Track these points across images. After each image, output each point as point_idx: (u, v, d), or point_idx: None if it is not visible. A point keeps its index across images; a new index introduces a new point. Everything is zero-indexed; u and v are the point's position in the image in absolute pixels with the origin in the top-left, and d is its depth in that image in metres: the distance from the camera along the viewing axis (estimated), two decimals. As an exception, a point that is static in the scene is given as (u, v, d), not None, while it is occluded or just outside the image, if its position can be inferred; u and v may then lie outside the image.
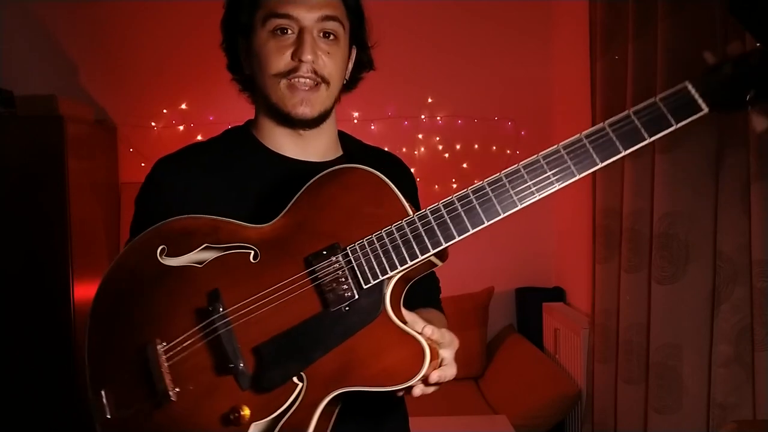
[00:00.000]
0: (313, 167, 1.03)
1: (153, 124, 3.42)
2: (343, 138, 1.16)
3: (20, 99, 2.90)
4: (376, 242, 0.85)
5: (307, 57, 0.96)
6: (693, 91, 0.82)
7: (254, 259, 0.89)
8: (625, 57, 2.20)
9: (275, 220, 0.91)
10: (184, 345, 0.88)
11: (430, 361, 0.80)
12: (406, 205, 0.86)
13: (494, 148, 3.47)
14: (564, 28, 3.27)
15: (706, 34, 1.83)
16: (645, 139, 0.83)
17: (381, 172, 0.89)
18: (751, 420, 1.74)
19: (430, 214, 0.85)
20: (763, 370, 1.69)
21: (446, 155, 3.48)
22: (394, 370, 0.81)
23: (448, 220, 0.85)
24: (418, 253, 0.84)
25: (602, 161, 0.83)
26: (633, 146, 0.83)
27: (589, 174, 0.84)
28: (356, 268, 0.85)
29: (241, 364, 0.85)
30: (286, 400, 0.84)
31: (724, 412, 1.83)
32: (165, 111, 3.42)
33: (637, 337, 2.18)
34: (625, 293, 2.24)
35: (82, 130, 3.03)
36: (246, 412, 0.83)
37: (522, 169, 0.86)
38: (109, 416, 0.89)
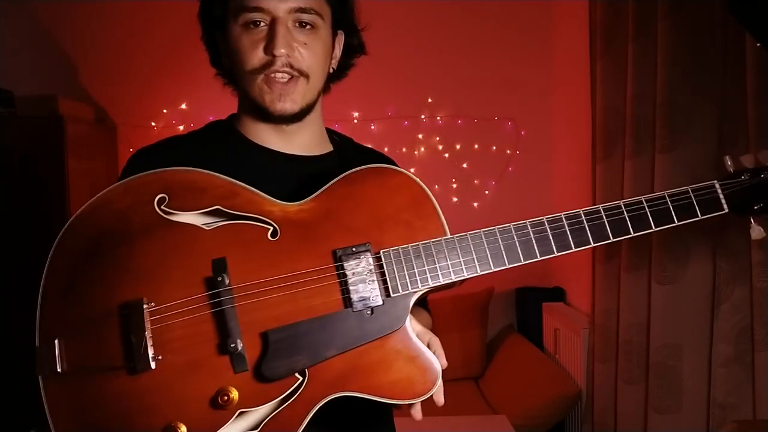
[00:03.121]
0: (300, 160, 1.01)
1: (153, 124, 3.42)
2: (333, 135, 1.11)
3: (20, 99, 2.91)
4: (411, 253, 0.83)
5: (280, 51, 0.91)
6: (719, 191, 0.91)
7: (272, 236, 0.84)
8: (625, 57, 2.20)
9: (303, 201, 0.86)
10: (177, 312, 0.80)
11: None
12: (444, 223, 0.85)
13: (494, 148, 3.48)
14: (564, 28, 3.27)
15: (706, 34, 1.83)
16: (674, 222, 0.90)
17: None
18: (751, 420, 1.74)
19: (469, 239, 0.85)
20: (763, 370, 1.69)
21: (446, 155, 3.48)
22: (403, 385, 0.80)
23: (487, 251, 0.85)
24: (452, 274, 0.84)
25: (636, 232, 0.88)
26: (663, 226, 0.89)
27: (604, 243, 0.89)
28: (387, 274, 0.83)
29: (241, 346, 0.79)
30: (281, 393, 0.79)
31: (724, 412, 1.83)
32: (165, 111, 3.42)
33: (637, 337, 2.18)
34: (625, 293, 2.24)
35: (82, 130, 3.03)
36: (234, 395, 0.78)
37: (564, 219, 0.88)
38: (60, 370, 0.79)
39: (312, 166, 1.01)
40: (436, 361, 0.82)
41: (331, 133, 1.10)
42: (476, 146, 3.48)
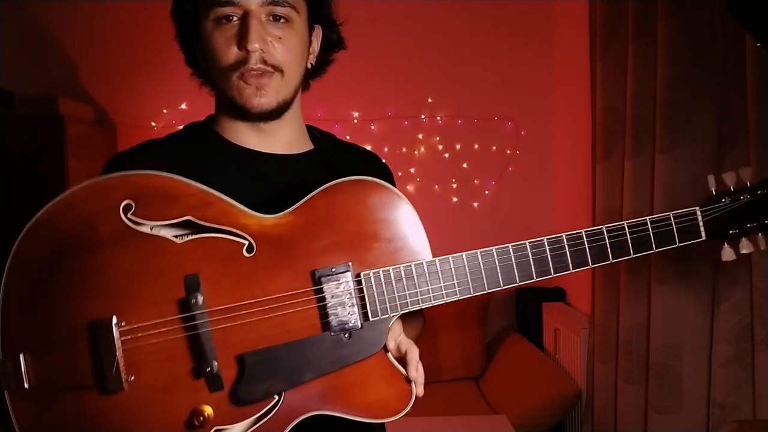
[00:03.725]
0: (279, 159, 0.98)
1: (153, 124, 3.42)
2: (314, 132, 1.08)
3: (20, 99, 2.91)
4: (392, 276, 0.81)
5: (254, 46, 0.87)
6: (700, 218, 0.91)
7: (248, 252, 0.80)
8: (625, 57, 2.20)
9: (281, 214, 0.82)
10: (150, 333, 0.78)
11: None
12: (426, 241, 0.84)
13: (494, 148, 3.47)
14: (564, 28, 3.27)
15: (706, 34, 1.83)
16: (652, 249, 0.90)
17: (357, 169, 0.85)
18: (751, 420, 1.74)
19: (451, 262, 0.83)
20: (763, 370, 1.69)
21: (446, 155, 3.48)
22: (378, 405, 0.80)
23: (468, 274, 0.84)
24: (432, 299, 0.83)
25: (615, 258, 0.89)
26: (641, 252, 0.89)
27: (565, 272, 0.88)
28: (367, 298, 0.81)
29: (216, 367, 0.78)
30: (257, 412, 0.79)
31: (724, 412, 1.83)
32: (165, 111, 3.42)
33: (637, 337, 2.18)
34: (625, 293, 2.24)
35: (82, 130, 3.03)
36: (209, 412, 0.77)
37: (546, 244, 0.86)
38: (27, 386, 0.76)
39: (292, 165, 0.98)
40: (413, 384, 0.81)
41: (311, 129, 1.08)
42: (476, 146, 3.48)
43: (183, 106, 3.41)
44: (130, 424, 0.77)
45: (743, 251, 0.92)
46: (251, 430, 0.79)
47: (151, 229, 0.80)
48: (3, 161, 2.82)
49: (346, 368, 0.80)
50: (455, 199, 3.48)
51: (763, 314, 1.67)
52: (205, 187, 0.81)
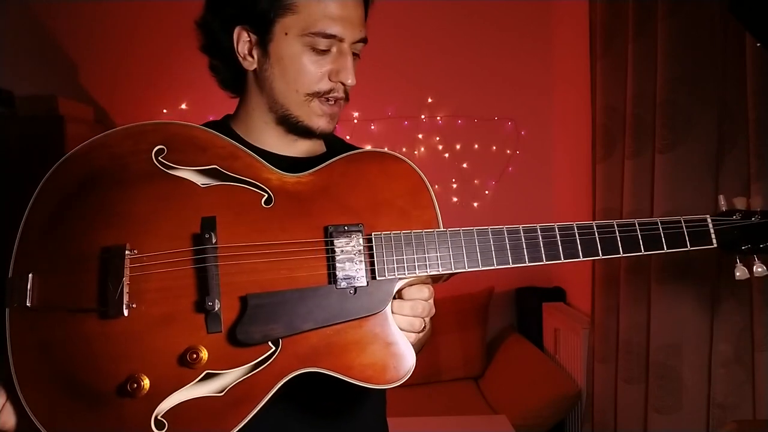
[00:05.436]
0: (296, 161, 1.00)
1: (153, 124, 3.42)
2: (327, 136, 1.11)
3: (20, 99, 2.91)
4: (402, 240, 0.84)
5: (352, 82, 0.94)
6: (711, 225, 0.94)
7: (266, 203, 0.84)
8: (625, 57, 2.20)
9: (303, 174, 0.87)
10: (159, 263, 0.80)
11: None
12: (439, 216, 0.86)
13: (494, 148, 3.48)
14: (564, 28, 3.27)
15: (706, 35, 1.83)
16: (663, 249, 0.91)
17: None
18: (751, 420, 1.74)
19: (461, 235, 0.85)
20: (763, 370, 1.69)
21: (446, 155, 3.48)
22: (374, 369, 0.79)
23: (477, 249, 0.85)
24: (439, 266, 0.84)
25: (625, 252, 0.90)
26: (652, 251, 0.91)
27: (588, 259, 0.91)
28: (375, 257, 0.82)
29: (218, 306, 0.78)
30: (252, 360, 0.78)
31: (724, 412, 1.83)
32: (165, 111, 3.42)
33: (637, 336, 2.18)
34: (625, 293, 2.24)
35: (82, 130, 3.03)
36: (204, 354, 0.77)
37: (556, 230, 0.88)
38: (29, 304, 0.78)
39: (305, 168, 1.00)
40: (412, 352, 0.81)
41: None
42: (476, 146, 3.48)
43: (183, 106, 3.41)
44: (123, 351, 0.78)
45: (757, 274, 0.93)
46: (243, 378, 0.78)
47: (178, 173, 0.84)
48: (3, 161, 2.82)
49: (347, 326, 0.80)
50: (455, 199, 3.48)
51: (763, 314, 1.67)
52: (234, 142, 0.86)
